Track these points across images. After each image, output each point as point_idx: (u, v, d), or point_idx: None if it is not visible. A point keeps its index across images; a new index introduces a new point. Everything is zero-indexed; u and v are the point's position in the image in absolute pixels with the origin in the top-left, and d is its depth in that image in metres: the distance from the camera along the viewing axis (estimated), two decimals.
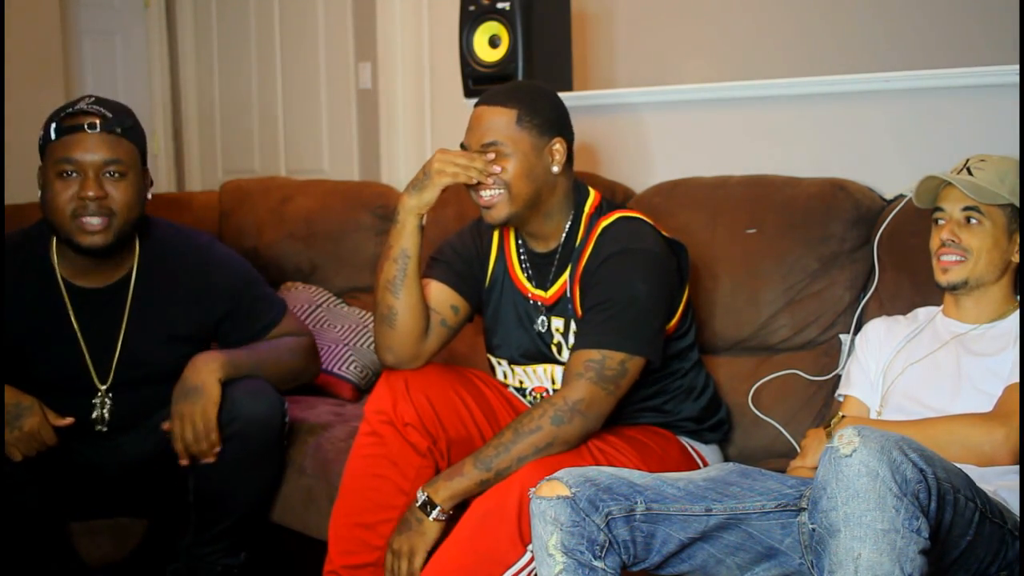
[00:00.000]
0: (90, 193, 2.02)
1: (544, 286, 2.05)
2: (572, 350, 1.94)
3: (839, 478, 1.36)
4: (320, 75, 4.73)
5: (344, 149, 4.66)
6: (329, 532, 2.00)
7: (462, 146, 2.00)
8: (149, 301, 2.19)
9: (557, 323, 2.03)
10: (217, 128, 5.30)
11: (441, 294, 2.07)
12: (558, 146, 1.99)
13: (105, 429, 2.17)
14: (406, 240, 1.98)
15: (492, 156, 1.94)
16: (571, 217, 2.04)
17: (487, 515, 1.77)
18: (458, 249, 2.13)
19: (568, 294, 2.01)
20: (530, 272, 2.07)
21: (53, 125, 2.06)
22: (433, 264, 2.12)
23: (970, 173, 1.83)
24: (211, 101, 5.31)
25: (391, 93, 4.45)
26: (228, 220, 3.31)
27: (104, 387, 2.17)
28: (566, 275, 2.02)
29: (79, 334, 2.15)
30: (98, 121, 2.05)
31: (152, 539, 2.32)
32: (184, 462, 2.05)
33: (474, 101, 2.03)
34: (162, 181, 5.30)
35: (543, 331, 2.05)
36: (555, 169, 1.99)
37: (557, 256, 2.04)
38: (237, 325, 2.25)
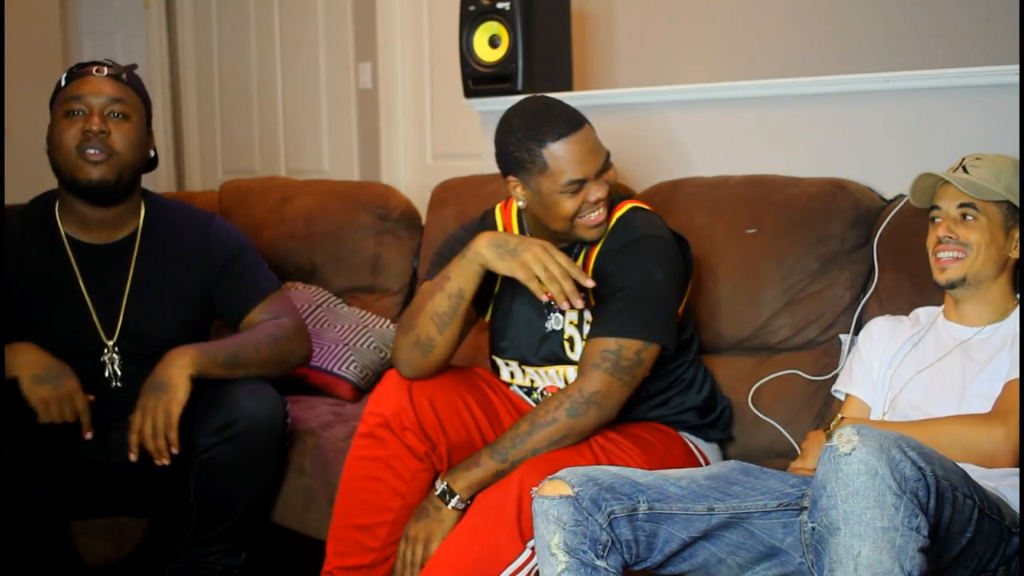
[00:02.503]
0: (94, 128, 2.10)
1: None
2: (588, 338, 1.94)
3: (838, 476, 1.37)
4: (320, 75, 4.73)
5: (344, 149, 4.67)
6: (328, 533, 2.00)
7: (578, 182, 1.90)
8: (153, 259, 2.23)
9: (571, 315, 2.01)
10: (217, 128, 5.30)
11: None
12: None
13: (120, 385, 2.18)
14: (468, 281, 1.90)
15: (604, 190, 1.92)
16: None
17: (487, 513, 1.77)
18: (460, 238, 2.08)
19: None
20: None
21: (64, 76, 2.18)
22: (444, 265, 2.07)
23: (966, 171, 1.84)
24: (211, 101, 5.31)
25: (391, 93, 4.46)
26: (228, 220, 3.29)
27: (111, 342, 2.18)
28: (579, 264, 2.01)
29: (84, 289, 2.18)
30: (107, 68, 2.17)
31: (152, 539, 2.32)
32: (133, 457, 2.02)
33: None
34: (162, 181, 5.30)
35: (557, 329, 2.03)
36: None
37: (574, 248, 2.02)
38: (229, 287, 2.27)
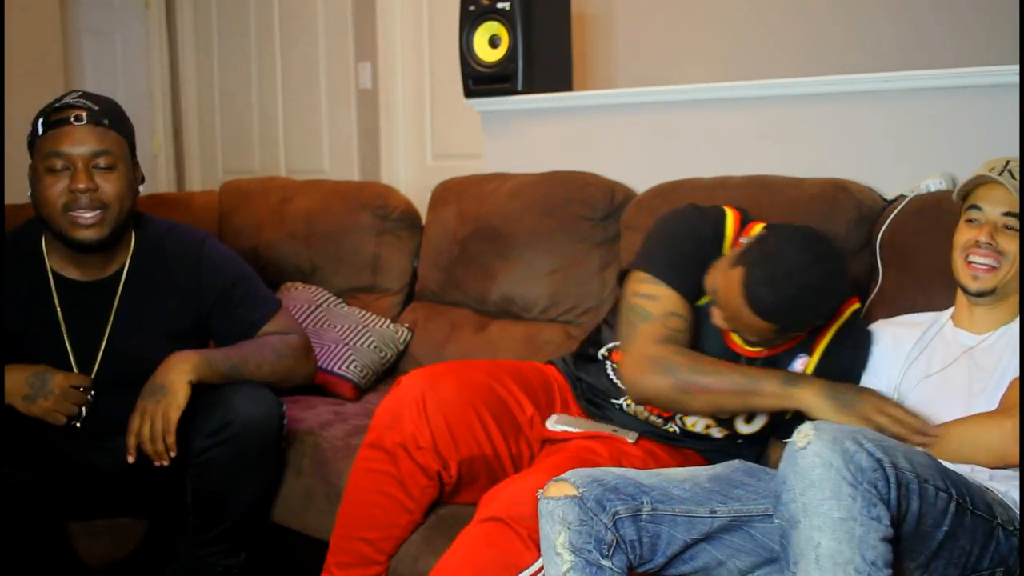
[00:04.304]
0: (81, 186, 2.03)
1: (753, 344, 1.93)
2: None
3: (795, 470, 1.40)
4: (320, 75, 4.74)
5: (344, 149, 4.67)
6: (331, 539, 2.00)
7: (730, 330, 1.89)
8: (141, 296, 2.18)
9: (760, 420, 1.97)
10: (217, 128, 5.31)
11: (679, 308, 1.92)
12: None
13: (78, 425, 2.13)
14: (769, 408, 1.85)
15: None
16: None
17: (502, 520, 1.74)
18: (701, 239, 1.97)
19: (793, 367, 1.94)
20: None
21: (40, 120, 2.08)
22: (681, 262, 1.94)
23: (1012, 176, 1.77)
24: (211, 101, 5.31)
25: (391, 93, 4.46)
26: (228, 220, 3.31)
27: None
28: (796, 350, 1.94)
29: (62, 324, 2.14)
30: (84, 114, 2.05)
31: (152, 539, 2.32)
32: (131, 459, 2.02)
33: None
34: (162, 181, 5.30)
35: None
36: None
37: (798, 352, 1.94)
38: (227, 318, 2.23)
